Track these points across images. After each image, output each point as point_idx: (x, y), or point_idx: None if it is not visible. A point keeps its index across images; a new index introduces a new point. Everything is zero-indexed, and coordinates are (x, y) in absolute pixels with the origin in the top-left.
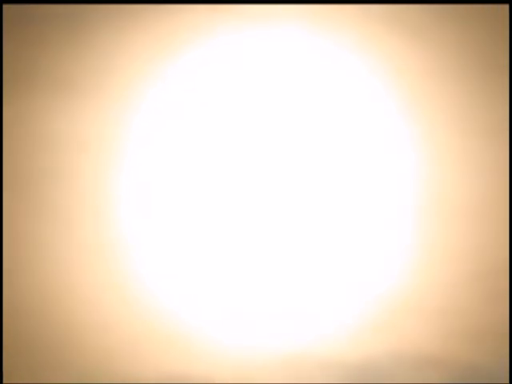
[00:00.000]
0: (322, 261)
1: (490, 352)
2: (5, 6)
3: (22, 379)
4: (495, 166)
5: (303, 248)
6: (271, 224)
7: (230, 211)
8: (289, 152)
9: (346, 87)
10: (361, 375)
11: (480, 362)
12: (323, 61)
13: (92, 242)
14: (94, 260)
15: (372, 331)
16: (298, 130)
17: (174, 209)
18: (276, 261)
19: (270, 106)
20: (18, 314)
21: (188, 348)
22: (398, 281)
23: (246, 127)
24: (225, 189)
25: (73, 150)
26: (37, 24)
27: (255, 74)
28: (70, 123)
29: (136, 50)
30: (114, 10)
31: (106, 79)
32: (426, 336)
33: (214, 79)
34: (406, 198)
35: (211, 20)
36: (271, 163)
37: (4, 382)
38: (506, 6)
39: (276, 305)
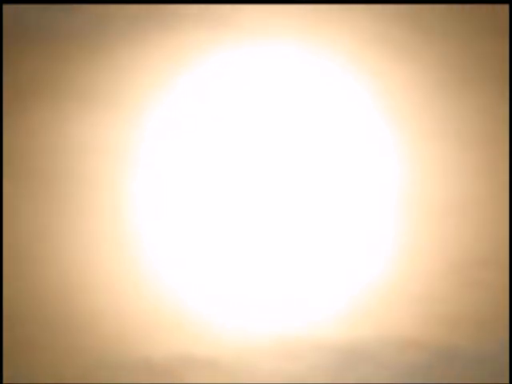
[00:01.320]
0: (315, 254)
1: (465, 335)
2: (31, 24)
3: (40, 364)
4: (470, 169)
5: (299, 242)
6: (269, 219)
7: (232, 208)
8: (286, 156)
9: (336, 99)
10: (350, 356)
11: (457, 344)
12: (316, 74)
13: (109, 234)
14: (111, 251)
15: (360, 317)
16: (294, 136)
17: (183, 205)
18: (274, 253)
19: (268, 115)
20: (41, 300)
21: (194, 331)
22: (384, 271)
23: (248, 132)
24: (227, 187)
25: (92, 152)
26: (61, 40)
27: (255, 85)
28: (89, 129)
29: (149, 65)
30: (128, 29)
31: (123, 90)
32: (408, 321)
33: (218, 90)
34: (392, 198)
35: (214, 36)
36: (269, 167)
37: (8, 381)
38: (506, 6)
39: (273, 293)
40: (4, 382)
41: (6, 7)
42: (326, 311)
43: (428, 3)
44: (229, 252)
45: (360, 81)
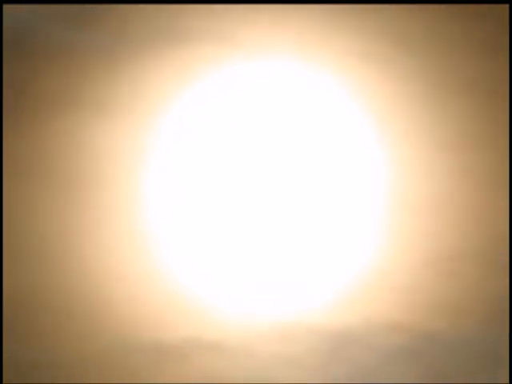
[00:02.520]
0: (310, 247)
1: (444, 320)
2: (54, 40)
3: (62, 347)
4: (448, 170)
5: (295, 236)
6: (268, 215)
7: (235, 205)
8: (284, 160)
9: (328, 108)
10: (340, 339)
11: (436, 328)
12: (309, 85)
13: (124, 230)
14: (126, 244)
15: (349, 303)
16: (291, 140)
17: (190, 203)
18: (273, 246)
19: (268, 122)
20: (62, 289)
21: (201, 317)
22: (371, 262)
23: (248, 141)
24: (231, 185)
25: (109, 157)
26: (81, 55)
27: (255, 99)
28: (106, 136)
29: (160, 77)
30: (141, 43)
31: (136, 100)
32: (393, 307)
33: (224, 100)
34: (378, 196)
35: (219, 52)
36: (268, 170)
37: (35, 363)
38: (506, 6)
39: (272, 282)
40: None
41: (27, 22)
42: (319, 299)
43: (428, 3)
44: (232, 245)
45: (348, 90)
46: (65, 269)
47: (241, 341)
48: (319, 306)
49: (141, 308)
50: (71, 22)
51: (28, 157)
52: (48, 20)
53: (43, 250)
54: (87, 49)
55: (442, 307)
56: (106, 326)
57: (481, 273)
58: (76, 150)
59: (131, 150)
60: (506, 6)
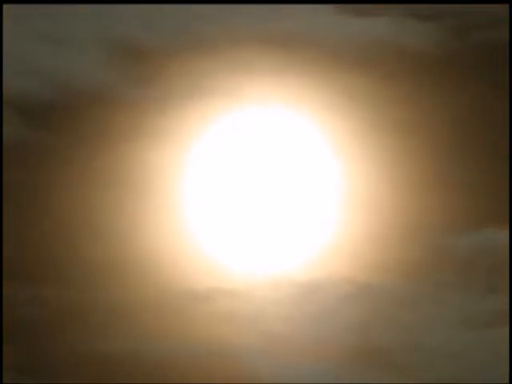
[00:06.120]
0: (290, 225)
1: (386, 276)
2: (121, 95)
3: (119, 294)
4: (378, 177)
5: (281, 218)
6: (263, 208)
7: (241, 202)
8: (274, 173)
9: (303, 140)
10: (309, 287)
11: (380, 282)
12: (294, 126)
13: (171, 218)
14: (170, 231)
15: (317, 263)
16: (279, 160)
17: (214, 200)
18: (266, 227)
19: (261, 152)
20: (132, 256)
21: (218, 272)
22: (333, 235)
23: (250, 161)
24: (238, 190)
25: (160, 170)
26: (140, 104)
27: (254, 135)
28: (158, 156)
29: (191, 119)
30: (178, 98)
31: (177, 135)
32: (347, 267)
33: (232, 137)
34: (335, 195)
35: (228, 103)
36: (263, 179)
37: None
38: (506, 6)
39: (265, 250)
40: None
41: (106, 83)
42: (297, 260)
43: (427, 3)
44: (240, 225)
45: (318, 129)
46: (133, 243)
47: (245, 288)
48: (297, 265)
49: (178, 266)
50: (135, 82)
51: (109, 170)
52: (120, 80)
53: (120, 230)
54: (145, 100)
55: (378, 266)
56: (155, 280)
57: (403, 244)
58: (138, 166)
59: (174, 166)
60: (506, 6)
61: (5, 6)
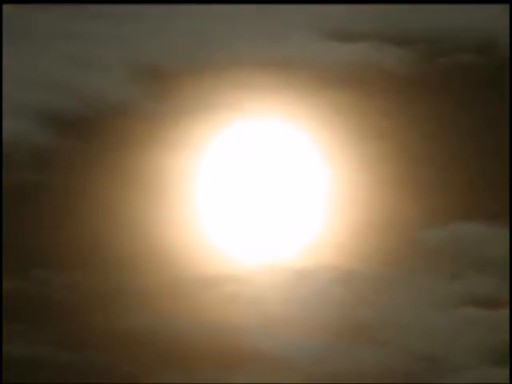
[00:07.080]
0: (285, 220)
1: (358, 263)
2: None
3: (136, 280)
4: (361, 180)
5: (278, 215)
6: (262, 204)
7: (243, 200)
8: (271, 174)
9: (296, 148)
10: (300, 274)
11: (354, 268)
12: (288, 136)
13: (184, 215)
14: (185, 223)
15: (306, 253)
16: (278, 164)
17: (220, 200)
18: (264, 221)
19: (262, 156)
20: (150, 245)
21: (223, 261)
22: (320, 230)
23: (251, 165)
24: (240, 189)
25: (173, 175)
26: (156, 117)
27: (253, 144)
28: (171, 163)
29: (200, 130)
30: (188, 111)
31: (187, 144)
32: (332, 255)
33: (235, 147)
34: (321, 195)
35: (232, 117)
36: (261, 179)
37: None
38: (506, 6)
39: (263, 241)
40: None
41: (127, 101)
42: (289, 249)
43: (426, 3)
44: (243, 220)
45: (309, 139)
46: (151, 236)
47: (247, 275)
48: (291, 254)
49: (190, 256)
50: (153, 98)
51: (131, 172)
52: (140, 97)
53: (140, 226)
54: (161, 113)
55: (360, 256)
56: (170, 267)
57: (381, 237)
58: (156, 169)
59: (186, 170)
60: (506, 6)
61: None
